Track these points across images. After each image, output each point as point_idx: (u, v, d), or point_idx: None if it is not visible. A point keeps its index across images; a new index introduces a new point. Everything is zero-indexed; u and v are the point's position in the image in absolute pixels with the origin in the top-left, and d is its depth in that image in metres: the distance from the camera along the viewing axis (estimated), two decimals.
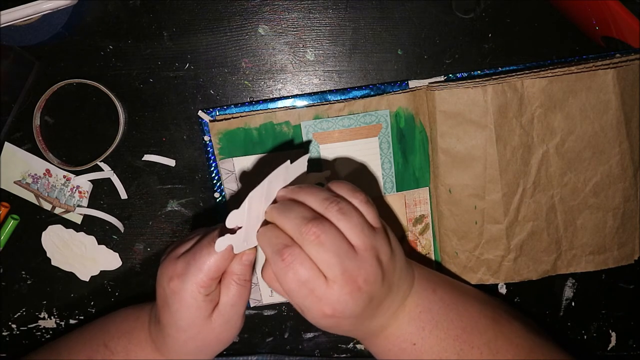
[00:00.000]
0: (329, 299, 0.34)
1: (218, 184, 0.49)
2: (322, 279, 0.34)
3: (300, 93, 0.49)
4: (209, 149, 0.48)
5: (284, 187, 0.38)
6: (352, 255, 0.34)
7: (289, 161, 0.38)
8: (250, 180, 0.49)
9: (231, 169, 0.48)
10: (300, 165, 0.40)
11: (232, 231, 0.37)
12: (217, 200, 0.50)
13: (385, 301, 0.38)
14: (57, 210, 0.51)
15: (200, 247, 0.38)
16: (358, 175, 0.49)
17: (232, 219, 0.36)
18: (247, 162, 0.48)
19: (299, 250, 0.34)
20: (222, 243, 0.36)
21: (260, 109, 0.48)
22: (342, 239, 0.34)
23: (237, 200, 0.49)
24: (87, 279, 0.53)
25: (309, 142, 0.48)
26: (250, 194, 0.36)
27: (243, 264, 0.39)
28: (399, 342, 0.40)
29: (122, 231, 0.52)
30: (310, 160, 0.48)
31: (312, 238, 0.33)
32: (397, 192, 0.50)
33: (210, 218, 0.51)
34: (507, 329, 0.42)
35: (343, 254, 0.34)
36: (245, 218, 0.36)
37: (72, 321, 0.54)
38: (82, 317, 0.54)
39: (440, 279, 0.45)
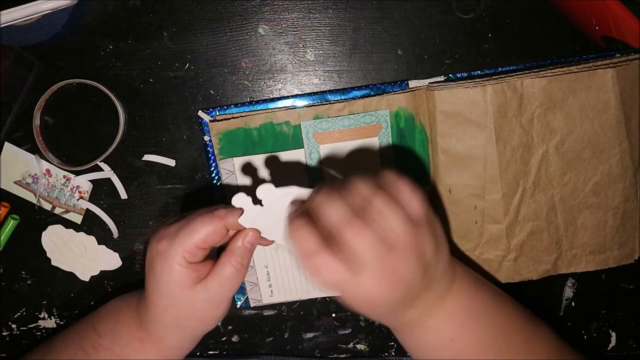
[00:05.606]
0: (360, 290, 0.34)
1: (218, 184, 0.49)
2: (351, 273, 0.34)
3: (300, 93, 0.50)
4: (209, 149, 0.48)
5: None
6: (389, 252, 0.34)
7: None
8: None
9: (231, 169, 0.48)
10: None
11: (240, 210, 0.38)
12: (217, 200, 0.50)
13: (423, 294, 0.37)
14: (57, 210, 0.51)
15: (195, 215, 0.38)
16: None
17: (240, 200, 0.38)
18: (247, 162, 0.48)
19: (325, 257, 0.34)
20: (240, 199, 0.38)
21: (260, 109, 0.48)
22: (378, 239, 0.34)
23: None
24: (87, 279, 0.53)
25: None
26: (269, 189, 0.37)
27: (245, 246, 0.39)
28: (436, 337, 0.40)
29: (116, 236, 0.52)
30: (310, 162, 0.48)
31: (349, 236, 0.33)
32: None
33: None
34: (540, 332, 0.42)
35: (378, 254, 0.33)
36: (267, 202, 0.38)
37: (72, 321, 0.54)
38: (82, 317, 0.54)
39: (479, 278, 0.44)
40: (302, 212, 0.37)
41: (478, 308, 0.41)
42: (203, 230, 0.37)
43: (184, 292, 0.39)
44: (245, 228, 0.39)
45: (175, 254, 0.37)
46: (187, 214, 0.41)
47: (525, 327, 0.42)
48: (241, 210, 0.38)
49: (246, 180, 0.49)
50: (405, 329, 0.41)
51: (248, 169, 0.49)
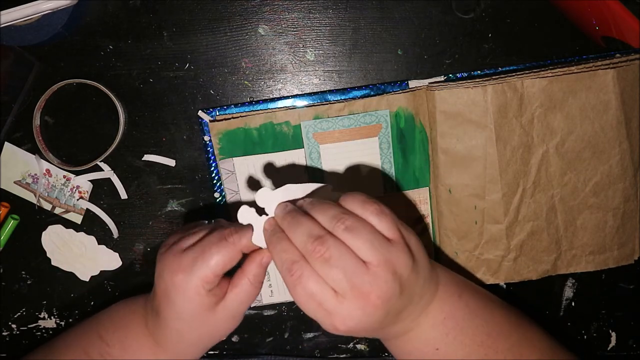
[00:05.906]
0: (340, 313, 0.34)
1: (218, 184, 0.49)
2: (330, 293, 0.33)
3: (300, 93, 0.49)
4: (209, 149, 0.48)
5: (300, 198, 0.38)
6: (363, 271, 0.33)
7: (316, 184, 0.38)
8: (250, 180, 0.49)
9: (231, 169, 0.48)
10: (323, 192, 0.39)
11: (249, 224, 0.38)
12: (217, 200, 0.50)
13: (404, 311, 0.37)
14: (57, 210, 0.51)
15: (209, 243, 0.38)
16: (358, 176, 0.49)
17: (244, 215, 0.37)
18: (247, 162, 0.48)
19: (306, 264, 0.34)
20: (244, 213, 0.37)
21: (260, 109, 0.48)
22: (351, 256, 0.33)
23: (237, 201, 0.49)
24: (87, 279, 0.53)
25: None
26: (266, 194, 0.37)
27: (262, 266, 0.39)
28: (421, 346, 0.40)
29: (116, 236, 0.52)
30: (310, 162, 0.48)
31: (317, 256, 0.33)
32: (397, 192, 0.50)
33: (211, 218, 0.51)
34: (529, 333, 0.42)
35: (351, 271, 0.33)
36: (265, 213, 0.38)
37: (72, 321, 0.54)
38: (82, 317, 0.54)
39: (465, 283, 0.43)
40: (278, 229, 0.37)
41: (463, 314, 0.40)
42: (219, 258, 0.37)
43: (205, 316, 0.39)
44: (259, 247, 0.39)
45: (195, 286, 0.37)
46: (194, 232, 0.40)
47: (514, 329, 0.41)
48: (251, 229, 0.38)
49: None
50: (389, 339, 0.41)
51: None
